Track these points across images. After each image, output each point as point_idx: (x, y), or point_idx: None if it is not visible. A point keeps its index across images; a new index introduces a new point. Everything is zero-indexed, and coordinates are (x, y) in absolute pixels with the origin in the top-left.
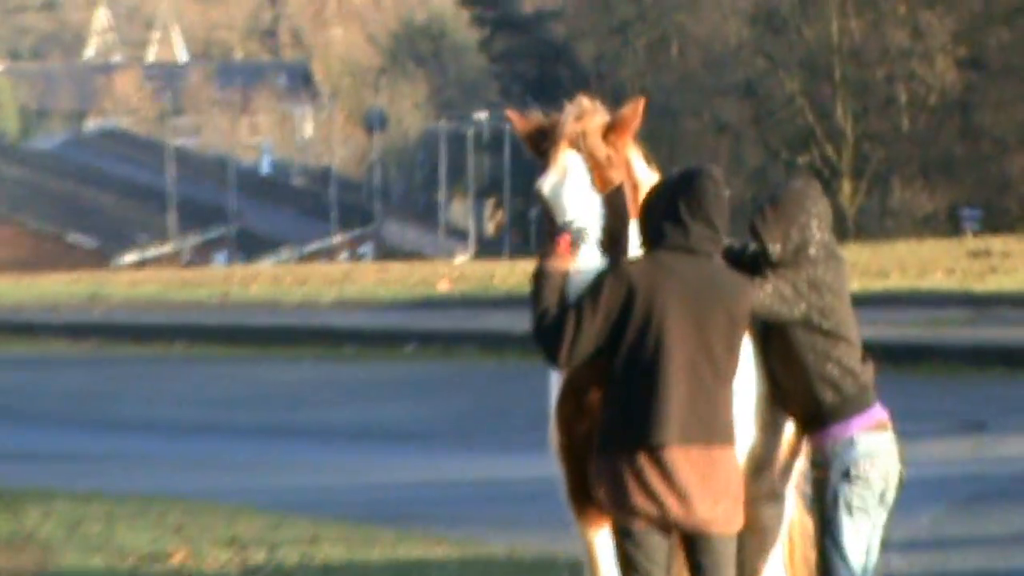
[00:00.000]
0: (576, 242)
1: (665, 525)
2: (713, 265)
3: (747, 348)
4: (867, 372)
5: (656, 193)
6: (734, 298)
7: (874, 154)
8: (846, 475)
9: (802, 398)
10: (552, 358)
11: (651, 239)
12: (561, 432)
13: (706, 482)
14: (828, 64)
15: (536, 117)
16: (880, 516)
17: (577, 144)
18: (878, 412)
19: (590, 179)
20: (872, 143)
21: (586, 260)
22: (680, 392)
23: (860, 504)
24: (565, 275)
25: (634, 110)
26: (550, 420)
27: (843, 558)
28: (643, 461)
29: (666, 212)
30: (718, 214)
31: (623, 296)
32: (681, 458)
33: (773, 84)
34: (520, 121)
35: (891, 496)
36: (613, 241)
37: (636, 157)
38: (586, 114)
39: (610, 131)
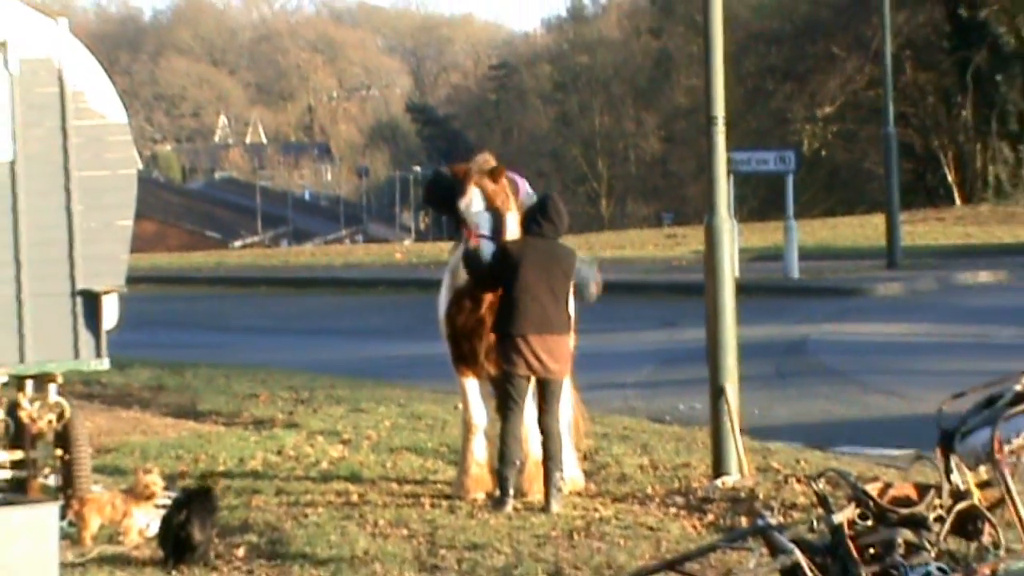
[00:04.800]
0: (478, 235)
1: (528, 374)
2: (554, 244)
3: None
4: None
5: (529, 208)
6: (565, 261)
7: (618, 186)
8: None
9: None
10: (486, 287)
11: (525, 230)
12: (449, 326)
13: (550, 353)
14: (594, 140)
15: (463, 167)
16: None
17: (478, 183)
18: None
19: (484, 203)
20: (617, 180)
21: (483, 243)
22: (534, 308)
23: None
24: (476, 248)
25: (499, 168)
26: (440, 321)
27: None
28: (519, 341)
29: (532, 217)
30: (557, 218)
31: (507, 257)
32: (537, 340)
33: (566, 152)
34: (459, 168)
35: None
36: (496, 233)
37: (523, 182)
38: (487, 163)
39: (492, 176)
